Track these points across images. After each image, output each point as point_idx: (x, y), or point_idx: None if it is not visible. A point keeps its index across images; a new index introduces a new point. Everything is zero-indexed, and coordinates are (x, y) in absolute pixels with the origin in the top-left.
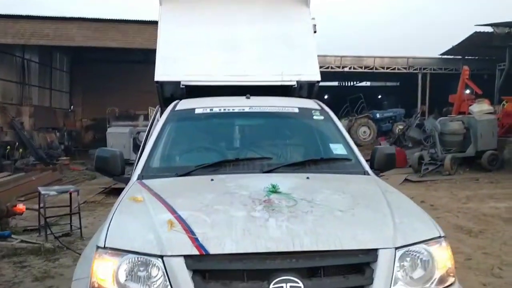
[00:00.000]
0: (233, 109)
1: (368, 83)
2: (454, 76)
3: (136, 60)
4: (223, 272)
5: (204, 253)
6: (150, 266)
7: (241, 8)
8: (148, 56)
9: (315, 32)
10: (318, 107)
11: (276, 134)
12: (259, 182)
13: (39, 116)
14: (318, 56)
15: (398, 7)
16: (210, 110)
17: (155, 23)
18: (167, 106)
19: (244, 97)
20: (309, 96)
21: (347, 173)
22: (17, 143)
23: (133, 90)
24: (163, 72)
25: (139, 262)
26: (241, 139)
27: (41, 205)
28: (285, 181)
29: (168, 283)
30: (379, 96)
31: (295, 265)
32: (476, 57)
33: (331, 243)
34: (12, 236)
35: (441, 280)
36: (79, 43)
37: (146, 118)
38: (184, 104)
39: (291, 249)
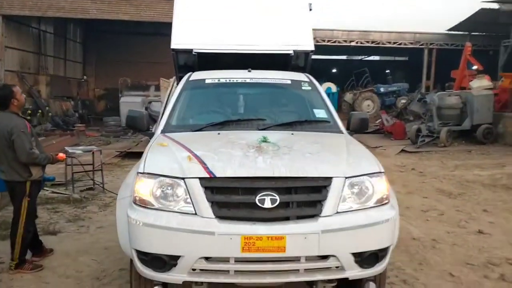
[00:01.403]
0: (237, 80)
1: (377, 57)
2: (461, 52)
3: (147, 32)
4: (225, 189)
5: (212, 176)
6: (176, 185)
7: None
8: (158, 29)
9: (310, 10)
10: (307, 80)
11: (271, 101)
12: (254, 135)
13: (54, 85)
14: (326, 30)
15: None
16: (218, 80)
17: None
18: (181, 73)
19: (246, 70)
20: (305, 64)
21: (325, 132)
22: (39, 110)
23: (144, 61)
24: (178, 41)
25: (168, 182)
26: (242, 104)
27: (68, 162)
28: (274, 135)
29: (188, 196)
30: (387, 71)
31: (274, 185)
32: (483, 33)
33: (299, 172)
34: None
35: (378, 201)
36: (94, 16)
37: (157, 88)
38: (196, 75)
39: (271, 175)
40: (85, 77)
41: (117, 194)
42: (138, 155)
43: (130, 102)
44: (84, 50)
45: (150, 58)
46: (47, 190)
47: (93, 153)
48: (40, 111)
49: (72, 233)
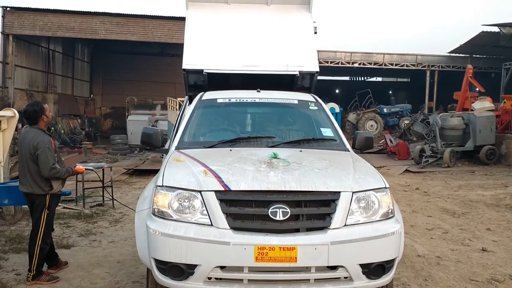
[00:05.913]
0: (247, 100)
1: (380, 79)
2: (462, 74)
3: (153, 52)
4: (239, 202)
5: (227, 189)
6: (192, 197)
7: (253, 12)
8: (164, 49)
9: (315, 33)
10: (313, 100)
11: (280, 120)
12: (264, 152)
13: (62, 103)
14: (329, 51)
15: (407, 8)
16: (229, 100)
17: (173, 18)
18: (191, 92)
19: (256, 90)
20: (310, 85)
21: (332, 150)
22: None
23: (150, 81)
24: (189, 62)
25: (185, 195)
26: (252, 122)
27: (79, 179)
28: (284, 152)
29: (204, 208)
30: (390, 92)
31: (285, 198)
32: (484, 56)
33: (309, 186)
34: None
35: (383, 215)
36: (102, 37)
37: (164, 107)
38: (208, 95)
39: (283, 188)
40: (91, 95)
41: (131, 208)
42: (145, 173)
43: (137, 121)
44: (91, 69)
45: (155, 78)
46: (59, 206)
47: (103, 169)
48: (52, 128)
49: (85, 247)
